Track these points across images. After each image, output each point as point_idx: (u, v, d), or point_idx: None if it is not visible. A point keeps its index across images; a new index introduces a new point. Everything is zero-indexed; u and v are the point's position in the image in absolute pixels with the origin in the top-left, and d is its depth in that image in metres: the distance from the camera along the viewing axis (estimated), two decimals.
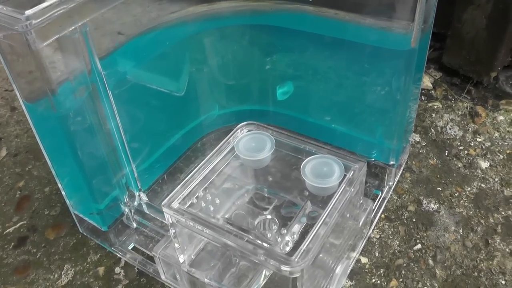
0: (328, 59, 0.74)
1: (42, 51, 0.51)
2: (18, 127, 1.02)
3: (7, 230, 0.81)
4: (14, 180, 0.90)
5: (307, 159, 0.62)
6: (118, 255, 0.74)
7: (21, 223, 0.82)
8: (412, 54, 0.64)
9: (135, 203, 0.73)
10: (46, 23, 0.50)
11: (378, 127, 0.75)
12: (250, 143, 0.65)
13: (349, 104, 0.77)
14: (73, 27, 0.54)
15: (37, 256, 0.76)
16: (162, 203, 0.57)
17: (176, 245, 0.59)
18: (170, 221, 0.57)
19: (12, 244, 0.78)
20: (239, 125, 0.68)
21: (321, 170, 0.60)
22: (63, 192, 0.71)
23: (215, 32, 0.78)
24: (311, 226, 0.60)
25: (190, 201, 0.59)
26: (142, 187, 0.74)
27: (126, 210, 0.72)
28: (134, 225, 0.74)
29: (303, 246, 0.51)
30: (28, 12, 0.49)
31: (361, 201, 0.64)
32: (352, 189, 0.58)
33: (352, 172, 0.60)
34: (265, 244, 0.52)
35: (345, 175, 0.60)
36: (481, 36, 0.95)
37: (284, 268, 0.49)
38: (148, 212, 0.73)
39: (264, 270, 0.59)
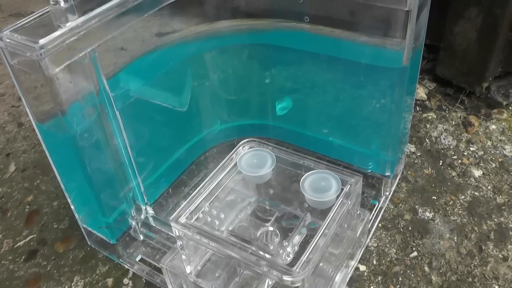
0: (324, 75, 0.77)
1: (55, 76, 0.54)
2: (26, 143, 1.05)
3: (18, 244, 0.83)
4: (23, 195, 0.93)
5: (306, 175, 0.65)
6: (126, 266, 0.77)
7: (31, 236, 0.84)
8: (404, 71, 0.67)
9: (142, 216, 0.76)
10: (58, 50, 0.53)
11: (374, 140, 0.78)
12: (252, 159, 0.68)
13: (346, 118, 0.80)
14: (83, 53, 0.57)
15: (48, 269, 0.79)
16: (170, 218, 0.60)
17: (183, 256, 0.62)
18: (178, 234, 0.60)
19: (23, 257, 0.81)
20: (241, 142, 0.71)
21: (319, 184, 0.63)
22: (72, 206, 0.74)
23: (216, 50, 0.81)
24: (311, 237, 0.62)
25: (196, 216, 0.62)
26: (148, 201, 0.77)
27: (133, 223, 0.75)
28: (141, 237, 0.77)
29: (304, 257, 0.54)
30: (42, 41, 0.52)
31: (358, 212, 0.67)
32: (349, 202, 0.61)
33: (349, 186, 0.63)
34: (267, 255, 0.55)
35: (342, 189, 0.63)
36: (473, 48, 0.99)
37: (286, 278, 0.52)
38: (154, 225, 0.76)
39: (267, 280, 0.62)
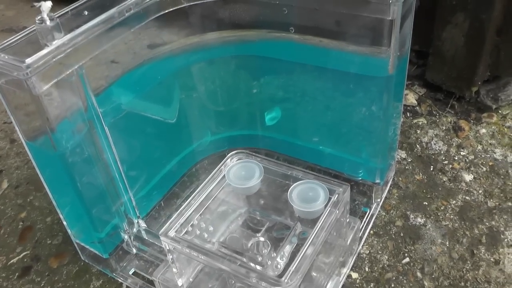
0: (313, 84, 0.78)
1: (42, 94, 0.55)
2: (18, 159, 1.05)
3: (11, 261, 0.84)
4: (16, 211, 0.93)
5: (293, 185, 0.66)
6: (120, 280, 0.77)
7: (24, 253, 0.85)
8: (390, 79, 0.67)
9: (134, 229, 0.76)
10: (45, 69, 0.54)
11: (363, 147, 0.78)
12: (240, 171, 0.69)
13: (335, 127, 0.80)
14: (70, 70, 0.57)
15: (42, 285, 0.79)
16: (160, 232, 0.61)
17: (174, 270, 0.62)
18: (168, 248, 0.60)
19: (17, 274, 0.81)
20: (229, 154, 0.71)
21: (307, 195, 0.64)
22: (64, 222, 0.74)
23: (204, 62, 0.81)
24: (301, 246, 0.63)
25: (186, 229, 0.63)
26: (140, 214, 0.77)
27: (126, 237, 0.75)
28: (134, 251, 0.77)
29: (292, 267, 0.54)
30: (28, 60, 0.52)
31: (348, 220, 0.67)
32: (337, 211, 0.61)
33: (337, 195, 0.63)
34: (257, 267, 0.56)
35: (330, 198, 0.63)
36: (461, 53, 0.99)
37: None
38: (147, 238, 0.76)
39: None
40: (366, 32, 0.65)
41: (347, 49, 0.69)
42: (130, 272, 0.77)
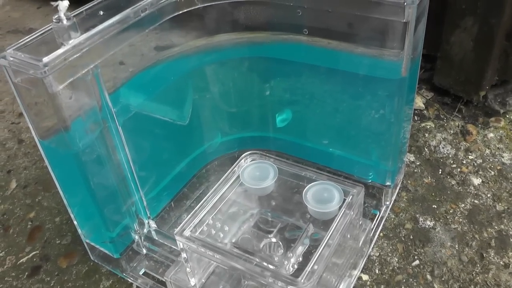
0: (324, 86, 0.78)
1: (58, 93, 0.55)
2: (26, 159, 1.05)
3: (21, 260, 0.84)
4: (25, 211, 0.93)
5: (308, 186, 0.66)
6: (130, 280, 0.77)
7: (33, 253, 0.85)
8: (403, 81, 0.67)
9: (145, 230, 0.76)
10: (61, 68, 0.54)
11: (374, 150, 0.79)
12: (254, 172, 0.69)
13: (346, 129, 0.80)
14: (86, 70, 0.57)
15: (51, 284, 0.79)
16: (175, 232, 0.61)
17: (188, 269, 0.62)
18: (182, 247, 0.60)
19: (26, 273, 0.81)
20: (243, 155, 0.72)
21: (322, 196, 0.64)
22: (75, 222, 0.74)
23: (216, 63, 0.81)
24: (314, 248, 0.63)
25: (200, 229, 0.63)
26: (151, 215, 0.77)
27: (136, 237, 0.75)
28: (144, 251, 0.77)
29: (308, 268, 0.54)
30: (45, 59, 0.52)
31: (360, 222, 0.68)
32: (352, 212, 0.61)
33: (351, 196, 0.63)
34: (271, 266, 0.56)
35: (344, 199, 0.63)
36: (469, 57, 1.00)
37: None
38: (157, 238, 0.76)
39: None
40: (380, 34, 0.65)
41: (360, 51, 0.69)
42: (141, 273, 0.77)
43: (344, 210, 0.61)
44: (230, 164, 0.73)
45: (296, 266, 0.62)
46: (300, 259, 0.62)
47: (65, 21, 0.55)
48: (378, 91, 0.71)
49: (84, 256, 0.82)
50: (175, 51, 0.77)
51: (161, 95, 0.76)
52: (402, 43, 0.63)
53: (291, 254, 0.61)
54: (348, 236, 0.65)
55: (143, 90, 0.73)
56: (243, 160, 0.71)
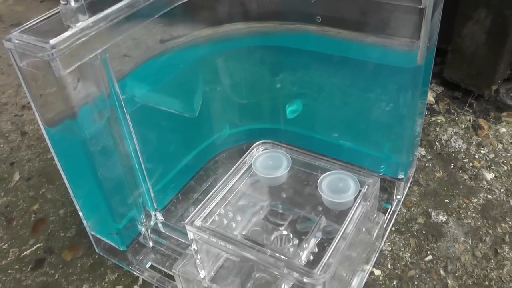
0: (335, 77, 0.76)
1: (66, 77, 0.53)
2: (30, 152, 1.03)
3: (24, 253, 0.82)
4: (28, 203, 0.91)
5: (323, 175, 0.64)
6: (136, 273, 0.75)
7: (37, 245, 0.83)
8: (418, 71, 0.66)
9: (152, 222, 0.74)
10: (69, 51, 0.52)
11: (386, 142, 0.77)
12: (267, 161, 0.67)
13: (357, 120, 0.79)
14: (93, 54, 0.56)
15: (55, 278, 0.77)
16: (185, 222, 0.59)
17: (197, 261, 0.61)
18: (192, 238, 0.58)
19: (30, 266, 0.80)
20: (254, 144, 0.70)
21: (337, 185, 0.62)
22: (80, 213, 0.73)
23: (225, 53, 0.80)
24: (326, 240, 0.61)
25: (212, 219, 0.61)
26: (158, 207, 0.75)
27: (143, 229, 0.74)
28: (151, 244, 0.75)
29: (325, 260, 0.52)
30: (53, 41, 0.51)
31: (374, 215, 0.66)
32: (367, 204, 0.59)
33: (367, 187, 0.61)
34: (285, 258, 0.54)
35: (360, 190, 0.61)
36: (481, 51, 0.98)
37: (307, 280, 0.51)
38: (164, 231, 0.75)
39: (284, 284, 0.60)
40: (396, 21, 0.63)
41: (373, 40, 0.68)
42: (147, 266, 0.75)
43: (360, 201, 0.60)
44: (238, 157, 0.71)
45: (311, 258, 0.60)
46: (316, 250, 0.60)
47: (73, 3, 0.54)
48: (393, 82, 0.69)
49: (89, 249, 0.80)
50: (183, 40, 0.75)
51: (169, 85, 0.74)
52: (419, 30, 0.61)
53: (306, 245, 0.59)
54: (363, 229, 0.63)
55: (150, 79, 0.71)
56: (255, 150, 0.69)
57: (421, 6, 0.59)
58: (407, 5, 0.60)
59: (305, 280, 0.51)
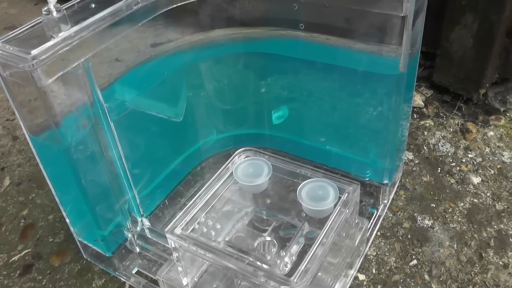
0: (321, 83, 0.76)
1: (48, 87, 0.54)
2: (21, 156, 1.04)
3: (13, 259, 0.82)
4: (18, 209, 0.92)
5: (303, 183, 0.65)
6: (123, 279, 0.76)
7: (26, 251, 0.83)
8: (401, 77, 0.66)
9: (138, 228, 0.75)
10: (51, 61, 0.53)
11: (371, 148, 0.77)
12: (248, 169, 0.68)
13: (343, 126, 0.79)
14: (76, 63, 0.56)
15: (43, 283, 0.78)
16: (166, 230, 0.59)
17: (180, 268, 0.61)
18: (173, 246, 0.59)
19: (18, 272, 0.80)
20: (236, 152, 0.70)
21: (317, 193, 0.63)
22: (67, 220, 0.73)
23: (211, 59, 0.80)
24: (309, 246, 0.62)
25: (192, 227, 0.61)
26: (144, 213, 0.76)
27: (129, 235, 0.74)
28: (137, 249, 0.76)
29: (302, 267, 0.53)
30: (34, 51, 0.51)
31: (356, 221, 0.66)
32: (347, 210, 0.60)
33: (347, 194, 0.62)
34: (265, 266, 0.55)
35: (340, 197, 0.62)
36: (469, 55, 0.98)
37: None
38: (150, 237, 0.75)
39: None
40: (378, 29, 0.63)
41: (358, 46, 0.68)
42: (133, 271, 0.76)
43: (339, 208, 0.60)
44: (225, 161, 0.71)
45: (290, 266, 0.60)
46: (294, 258, 0.61)
47: (55, 13, 0.54)
48: (376, 88, 0.70)
49: (77, 254, 0.81)
50: (170, 46, 0.76)
51: (155, 91, 0.75)
52: (400, 38, 0.62)
53: (284, 253, 0.60)
54: (344, 235, 0.63)
55: (136, 86, 0.72)
56: (236, 157, 0.69)
57: (402, 14, 0.60)
58: (388, 13, 0.61)
59: None
